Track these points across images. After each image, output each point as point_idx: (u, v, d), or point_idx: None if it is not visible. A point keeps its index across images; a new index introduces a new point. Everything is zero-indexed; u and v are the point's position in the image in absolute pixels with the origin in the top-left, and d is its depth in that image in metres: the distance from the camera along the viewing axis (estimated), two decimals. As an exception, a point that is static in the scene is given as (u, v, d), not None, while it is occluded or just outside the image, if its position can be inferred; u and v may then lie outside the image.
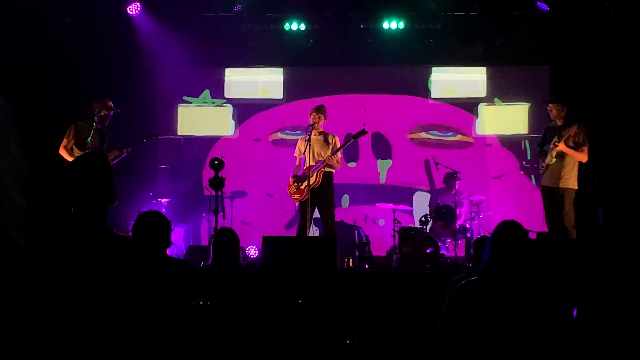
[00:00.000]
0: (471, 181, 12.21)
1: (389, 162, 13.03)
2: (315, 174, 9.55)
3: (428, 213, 11.09)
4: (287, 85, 13.18)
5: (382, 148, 13.03)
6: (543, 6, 11.36)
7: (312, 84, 13.07)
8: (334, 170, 9.73)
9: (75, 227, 3.02)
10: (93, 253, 2.92)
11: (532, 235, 9.95)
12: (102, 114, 9.29)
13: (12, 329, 1.57)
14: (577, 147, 9.30)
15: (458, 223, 10.95)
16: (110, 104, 9.43)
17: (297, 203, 9.92)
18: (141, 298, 2.99)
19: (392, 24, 12.00)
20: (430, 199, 11.76)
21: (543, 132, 9.86)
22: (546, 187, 9.56)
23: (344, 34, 12.33)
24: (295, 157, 9.92)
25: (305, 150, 9.52)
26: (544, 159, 9.53)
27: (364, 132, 9.74)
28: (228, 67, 13.09)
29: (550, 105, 9.63)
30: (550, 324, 2.79)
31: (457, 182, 11.15)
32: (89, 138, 9.13)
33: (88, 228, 3.01)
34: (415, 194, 12.81)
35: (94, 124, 9.21)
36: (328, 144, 9.70)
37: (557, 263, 2.79)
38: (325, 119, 9.76)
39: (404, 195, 12.59)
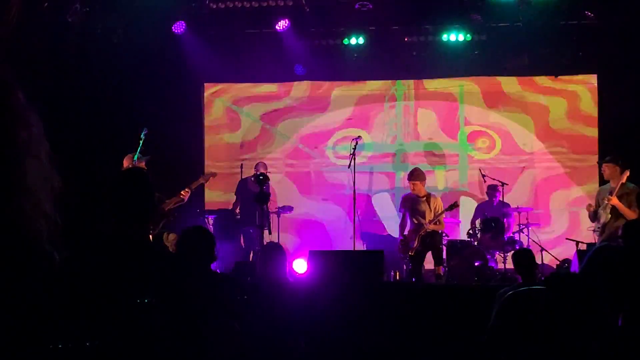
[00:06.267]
0: (519, 192, 12.06)
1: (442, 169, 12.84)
2: None
3: (476, 225, 10.96)
4: (338, 98, 13.06)
5: (435, 156, 12.88)
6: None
7: (364, 96, 13.00)
8: None
9: (116, 241, 3.06)
10: (134, 267, 2.95)
11: (582, 247, 9.81)
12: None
13: (47, 342, 1.60)
14: (629, 206, 9.04)
15: (506, 235, 10.79)
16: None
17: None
18: (183, 311, 3.02)
19: (452, 36, 11.89)
20: (477, 210, 11.56)
21: (596, 195, 9.67)
22: None
23: (402, 47, 12.26)
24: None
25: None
26: (599, 220, 9.32)
27: (455, 204, 10.59)
28: (279, 82, 12.93)
29: (604, 165, 9.48)
30: (597, 333, 2.75)
31: (502, 193, 11.04)
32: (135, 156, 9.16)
33: (130, 242, 3.05)
34: (461, 197, 12.45)
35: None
36: None
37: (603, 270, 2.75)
38: None
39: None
